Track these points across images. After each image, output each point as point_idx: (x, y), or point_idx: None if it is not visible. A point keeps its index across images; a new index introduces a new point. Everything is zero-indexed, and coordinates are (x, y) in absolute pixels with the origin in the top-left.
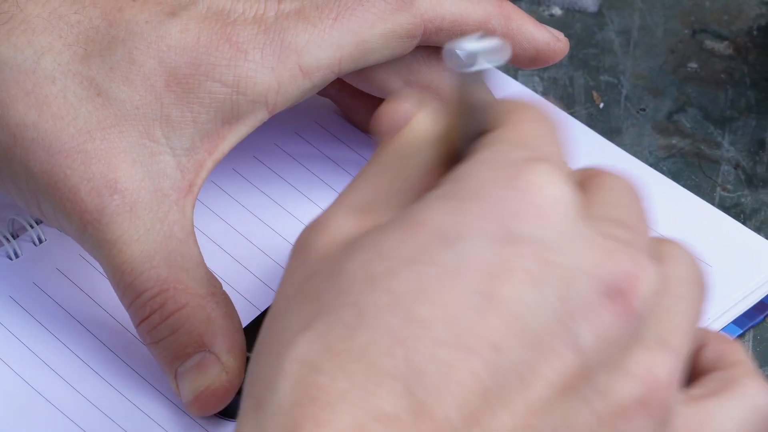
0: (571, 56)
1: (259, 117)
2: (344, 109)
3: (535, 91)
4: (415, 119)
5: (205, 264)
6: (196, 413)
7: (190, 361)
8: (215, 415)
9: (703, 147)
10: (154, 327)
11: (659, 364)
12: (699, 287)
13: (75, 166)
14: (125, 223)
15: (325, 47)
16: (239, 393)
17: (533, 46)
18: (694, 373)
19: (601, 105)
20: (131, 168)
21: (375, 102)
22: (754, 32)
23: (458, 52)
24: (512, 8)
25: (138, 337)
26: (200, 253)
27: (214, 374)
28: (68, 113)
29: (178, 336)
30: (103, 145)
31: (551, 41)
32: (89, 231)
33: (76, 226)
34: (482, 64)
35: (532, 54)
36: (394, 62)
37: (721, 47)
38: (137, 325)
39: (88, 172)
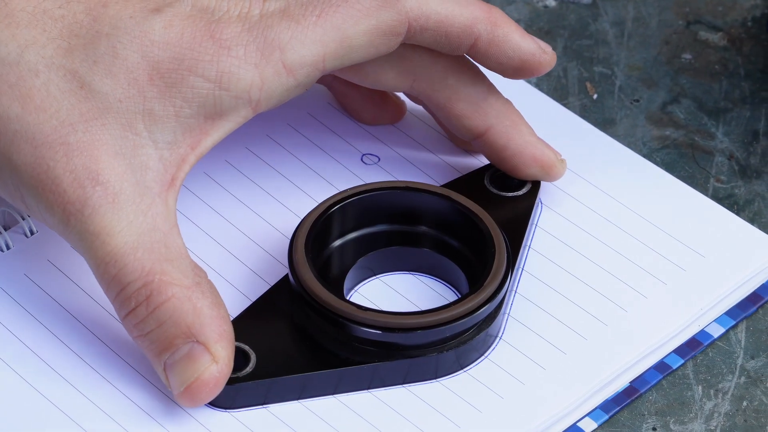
0: (564, 47)
1: (243, 114)
2: (339, 97)
3: (529, 82)
4: None
5: (189, 255)
6: (187, 404)
7: (179, 353)
8: (206, 405)
9: (696, 138)
10: (141, 320)
11: None
12: None
13: (57, 158)
14: (108, 214)
15: (308, 44)
16: (230, 383)
17: (518, 55)
18: None
19: (595, 96)
20: (114, 160)
21: (370, 90)
22: (749, 23)
23: None
24: (500, 15)
25: None
26: (184, 244)
27: (203, 364)
28: (51, 106)
29: (165, 328)
30: (86, 137)
31: (537, 52)
32: (72, 223)
33: (59, 218)
34: None
35: (516, 64)
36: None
37: (715, 38)
38: (123, 318)
39: (70, 163)
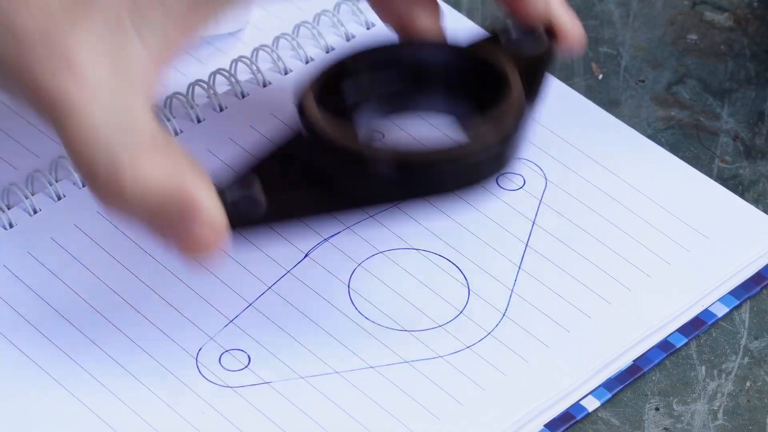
0: None
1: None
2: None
3: None
4: None
5: (163, 131)
6: (196, 257)
7: (170, 216)
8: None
9: (702, 118)
10: (112, 198)
11: None
12: None
13: (35, 46)
14: (79, 100)
15: None
16: (242, 225)
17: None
18: None
19: (600, 76)
20: (94, 48)
21: None
22: (755, 4)
23: None
24: None
25: (131, 304)
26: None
27: (200, 220)
28: None
29: (145, 200)
30: (68, 26)
31: (569, 21)
32: (44, 106)
33: (33, 103)
34: None
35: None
36: None
37: (721, 19)
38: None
39: (47, 50)
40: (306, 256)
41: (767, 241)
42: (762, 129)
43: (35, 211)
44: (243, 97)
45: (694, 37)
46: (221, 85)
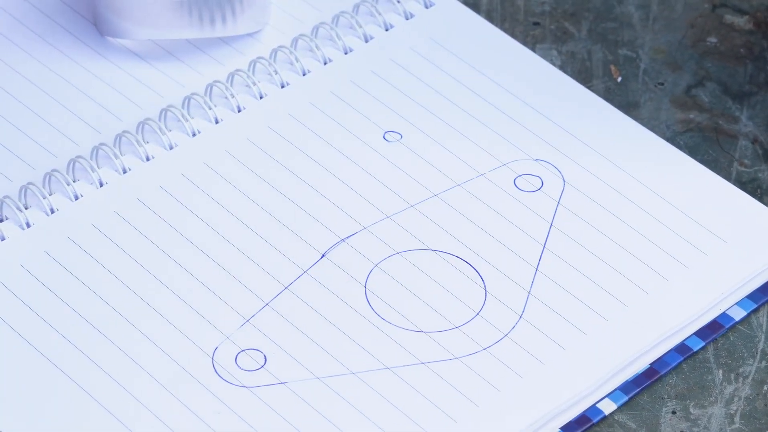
0: (589, 30)
1: None
2: None
3: (553, 64)
4: None
5: None
6: None
7: None
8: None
9: (721, 122)
10: None
11: None
12: None
13: None
14: None
15: None
16: None
17: None
18: None
19: (619, 79)
20: None
21: None
22: None
23: None
24: None
25: (148, 303)
26: None
27: None
28: None
29: None
30: None
31: None
32: None
33: None
34: None
35: None
36: None
37: (741, 22)
38: None
39: None
40: (323, 256)
41: None
42: None
43: (52, 211)
44: (261, 98)
45: (713, 40)
46: (239, 86)
